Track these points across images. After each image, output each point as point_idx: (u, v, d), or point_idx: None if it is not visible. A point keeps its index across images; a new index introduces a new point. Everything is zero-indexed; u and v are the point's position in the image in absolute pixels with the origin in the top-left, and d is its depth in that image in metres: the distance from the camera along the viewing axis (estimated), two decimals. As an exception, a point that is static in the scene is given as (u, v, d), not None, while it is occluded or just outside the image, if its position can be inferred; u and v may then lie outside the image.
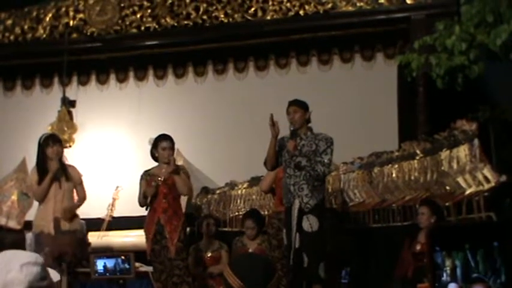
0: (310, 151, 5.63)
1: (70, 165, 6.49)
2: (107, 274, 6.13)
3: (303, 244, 5.39)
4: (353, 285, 6.57)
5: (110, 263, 6.12)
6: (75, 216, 6.36)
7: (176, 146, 6.46)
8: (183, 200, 6.77)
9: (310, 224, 5.46)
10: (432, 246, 1.92)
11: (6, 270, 1.94)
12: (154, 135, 6.45)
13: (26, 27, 9.04)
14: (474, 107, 6.68)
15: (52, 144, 6.31)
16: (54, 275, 2.11)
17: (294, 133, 5.68)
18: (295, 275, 5.47)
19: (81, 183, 6.42)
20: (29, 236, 6.70)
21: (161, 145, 6.29)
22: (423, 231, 6.06)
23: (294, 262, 5.45)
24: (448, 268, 1.92)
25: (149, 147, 6.38)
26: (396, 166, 6.98)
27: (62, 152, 6.44)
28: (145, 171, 6.32)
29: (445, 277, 1.93)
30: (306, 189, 5.55)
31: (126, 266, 6.10)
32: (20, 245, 6.74)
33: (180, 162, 7.05)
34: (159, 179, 6.20)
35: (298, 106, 5.78)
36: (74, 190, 6.39)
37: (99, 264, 6.10)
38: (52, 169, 6.24)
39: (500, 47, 5.60)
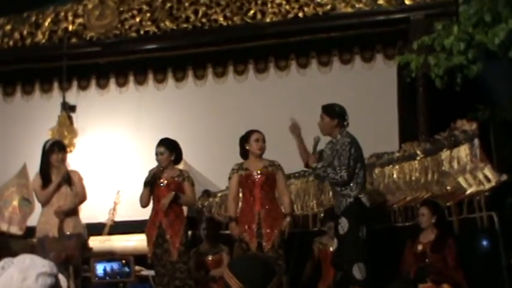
0: (331, 157, 5.64)
1: (71, 170, 6.50)
2: (107, 278, 6.13)
3: (339, 247, 5.59)
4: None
5: (110, 266, 6.12)
6: (76, 218, 6.34)
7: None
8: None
9: (341, 226, 5.54)
10: None
11: (22, 277, 1.94)
12: (155, 139, 6.47)
13: (25, 32, 9.04)
14: (473, 106, 6.68)
15: (58, 151, 6.33)
16: (63, 281, 2.11)
17: (315, 144, 5.71)
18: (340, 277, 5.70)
19: (81, 184, 6.41)
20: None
21: (155, 150, 6.32)
22: (424, 231, 6.06)
23: (334, 264, 5.78)
24: None
25: (151, 150, 6.41)
26: (397, 167, 6.97)
27: (66, 158, 6.47)
28: (149, 171, 6.34)
29: None
30: (334, 195, 5.73)
31: (126, 269, 6.11)
32: (27, 252, 6.72)
33: (181, 166, 7.04)
34: (162, 180, 6.22)
35: (325, 112, 5.74)
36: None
37: (99, 268, 6.11)
38: (61, 174, 6.25)
39: (498, 46, 5.61)
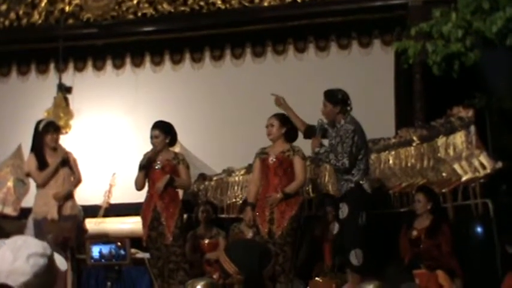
0: (335, 144, 5.65)
1: (66, 151, 6.49)
2: (103, 260, 6.13)
3: (339, 231, 5.69)
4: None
5: (106, 249, 6.13)
6: (72, 200, 6.36)
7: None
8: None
9: (342, 211, 5.58)
10: None
11: (13, 258, 1.93)
12: (151, 122, 6.46)
13: (21, 12, 8.98)
14: (470, 93, 6.68)
15: (53, 131, 6.32)
16: (62, 264, 2.09)
17: (319, 129, 5.73)
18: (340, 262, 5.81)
19: (76, 165, 6.43)
20: (28, 223, 6.68)
21: (150, 133, 6.32)
22: (419, 217, 6.09)
23: (334, 248, 5.87)
24: None
25: (146, 132, 6.41)
26: (393, 153, 6.98)
27: (60, 139, 6.46)
28: (145, 154, 6.33)
29: None
30: (337, 179, 5.77)
31: (122, 252, 6.11)
32: (21, 233, 6.73)
33: (177, 149, 7.04)
34: (158, 163, 6.22)
35: (327, 100, 5.75)
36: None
37: (95, 251, 6.11)
38: (57, 155, 6.24)
39: (496, 34, 5.61)
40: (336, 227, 5.82)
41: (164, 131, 6.33)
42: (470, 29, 5.81)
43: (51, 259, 2.00)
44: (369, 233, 5.60)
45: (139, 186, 6.33)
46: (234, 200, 7.71)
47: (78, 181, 6.44)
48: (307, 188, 7.06)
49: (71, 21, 8.83)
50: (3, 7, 9.03)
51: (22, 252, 1.94)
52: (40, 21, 8.92)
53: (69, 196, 6.33)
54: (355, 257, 5.46)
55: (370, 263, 5.54)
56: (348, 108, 5.73)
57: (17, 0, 8.98)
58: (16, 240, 1.99)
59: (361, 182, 5.58)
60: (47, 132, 6.30)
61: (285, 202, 5.83)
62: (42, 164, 6.25)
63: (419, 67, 7.26)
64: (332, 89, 5.81)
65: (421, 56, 6.36)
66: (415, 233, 6.02)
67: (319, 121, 5.77)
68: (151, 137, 6.32)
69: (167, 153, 6.35)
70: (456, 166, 6.41)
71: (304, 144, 6.06)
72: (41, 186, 6.31)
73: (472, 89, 6.74)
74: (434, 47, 5.99)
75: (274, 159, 5.93)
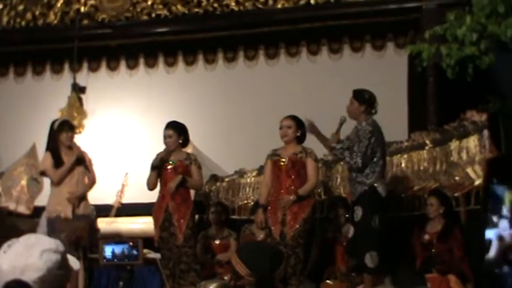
0: (352, 143, 5.68)
1: (81, 150, 6.53)
2: (115, 260, 6.16)
3: (354, 234, 5.68)
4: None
5: (118, 249, 6.15)
6: (85, 200, 6.39)
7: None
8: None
9: (356, 214, 5.60)
10: (490, 177, 1.83)
11: (27, 255, 1.95)
12: (164, 122, 6.49)
13: (37, 13, 9.03)
14: (484, 97, 6.65)
15: (68, 130, 6.37)
16: (75, 263, 2.11)
17: (340, 125, 5.77)
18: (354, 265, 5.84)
19: (91, 166, 6.47)
20: (42, 222, 6.72)
21: (164, 133, 6.33)
22: (431, 221, 6.07)
23: (348, 251, 5.89)
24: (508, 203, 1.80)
25: (159, 133, 6.43)
26: (405, 156, 6.96)
27: (74, 138, 6.51)
28: (157, 154, 6.35)
29: (505, 212, 1.82)
30: (351, 181, 5.78)
31: (134, 252, 6.14)
32: (34, 231, 6.77)
33: (189, 150, 7.06)
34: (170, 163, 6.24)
35: (354, 97, 5.82)
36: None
37: (108, 250, 6.14)
38: (72, 154, 6.28)
39: (511, 38, 5.58)
40: (350, 230, 5.80)
41: (178, 131, 6.35)
42: (485, 32, 5.79)
43: (64, 256, 2.03)
44: (383, 236, 5.60)
45: (151, 186, 6.35)
46: (245, 201, 7.71)
47: (93, 182, 6.47)
48: (319, 191, 7.05)
49: (86, 21, 8.88)
50: (20, 7, 9.09)
51: (35, 249, 1.97)
52: (56, 22, 8.97)
53: (83, 196, 6.37)
54: (370, 260, 5.47)
55: (384, 265, 5.54)
56: (373, 111, 5.78)
57: (34, 1, 9.04)
58: (29, 237, 2.02)
59: (375, 184, 5.59)
60: (62, 130, 6.35)
61: (297, 204, 5.83)
62: (57, 162, 6.30)
63: (433, 70, 7.24)
64: (362, 89, 5.89)
65: (435, 59, 6.34)
66: (427, 237, 6.01)
67: (341, 118, 5.81)
68: (165, 137, 6.33)
69: (180, 154, 6.37)
70: (469, 170, 6.39)
71: (313, 146, 6.08)
72: (55, 184, 6.34)
73: (485, 92, 6.71)
74: (448, 50, 5.98)
75: (286, 161, 5.93)
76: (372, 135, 5.62)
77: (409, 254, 6.07)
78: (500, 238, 1.66)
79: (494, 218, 1.72)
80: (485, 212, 1.71)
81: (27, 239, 2.01)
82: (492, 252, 1.64)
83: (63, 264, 2.01)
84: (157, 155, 6.34)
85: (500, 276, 1.63)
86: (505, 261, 1.64)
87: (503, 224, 1.73)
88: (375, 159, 5.62)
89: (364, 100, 5.76)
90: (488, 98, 6.65)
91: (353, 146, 5.66)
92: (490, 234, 1.66)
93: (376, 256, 5.47)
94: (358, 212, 5.57)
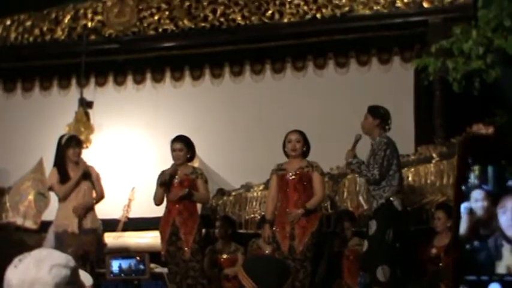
0: (368, 157, 5.73)
1: (88, 165, 6.54)
2: (122, 275, 6.15)
3: (367, 248, 5.68)
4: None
5: (125, 263, 6.14)
6: (93, 213, 6.38)
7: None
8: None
9: (370, 227, 5.63)
10: (465, 157, 1.77)
11: (36, 269, 1.95)
12: (171, 137, 6.50)
13: (45, 28, 9.10)
14: (491, 111, 6.65)
15: (75, 145, 6.38)
16: (87, 279, 2.11)
17: (355, 142, 5.82)
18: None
19: (99, 180, 6.48)
20: (49, 236, 6.72)
21: (172, 147, 6.33)
22: (439, 235, 6.05)
23: (362, 265, 5.86)
24: (477, 171, 1.72)
25: (166, 147, 6.44)
26: (412, 169, 6.96)
27: (82, 153, 6.52)
28: (162, 171, 6.34)
29: (472, 179, 1.74)
30: (368, 195, 5.88)
31: (141, 266, 6.13)
32: (41, 246, 6.77)
33: (196, 164, 7.06)
34: (176, 180, 6.23)
35: (369, 112, 5.88)
36: (93, 189, 6.44)
37: (115, 265, 6.13)
38: (79, 169, 6.29)
39: (517, 52, 5.58)
40: (365, 244, 5.78)
41: (187, 145, 6.36)
42: (491, 46, 5.80)
43: (74, 271, 2.02)
44: (396, 250, 5.60)
45: (158, 202, 6.35)
46: (252, 215, 7.71)
47: (101, 197, 6.47)
48: (325, 205, 7.05)
49: (93, 37, 8.93)
50: (28, 23, 9.16)
51: (45, 264, 1.97)
52: (63, 37, 9.03)
53: (90, 210, 6.37)
54: (382, 273, 5.46)
55: (396, 280, 5.53)
56: (387, 127, 5.84)
57: (41, 17, 9.10)
58: (40, 252, 2.02)
59: (391, 198, 5.61)
60: (69, 146, 6.37)
61: (305, 218, 5.83)
62: (64, 178, 6.31)
63: (439, 84, 7.25)
64: (377, 105, 5.95)
65: (441, 73, 6.36)
66: (434, 250, 5.99)
67: (357, 135, 5.86)
68: (174, 150, 6.31)
69: (186, 168, 6.37)
70: (476, 184, 6.37)
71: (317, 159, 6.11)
72: (62, 199, 6.35)
73: (492, 106, 6.71)
74: (454, 64, 5.99)
75: (293, 175, 5.93)
76: (387, 147, 5.68)
77: (416, 268, 6.05)
78: (471, 212, 1.62)
79: (464, 188, 1.66)
80: (459, 190, 1.66)
81: (38, 254, 2.01)
82: (463, 228, 1.59)
83: (73, 279, 2.00)
84: (163, 172, 6.32)
85: (471, 252, 1.58)
86: (476, 236, 1.60)
87: (474, 194, 1.66)
88: (391, 171, 5.66)
89: (379, 115, 5.82)
90: (495, 111, 6.65)
91: (369, 160, 5.71)
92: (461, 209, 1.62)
93: (388, 270, 5.46)
94: (373, 226, 5.59)
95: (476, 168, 1.67)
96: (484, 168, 1.68)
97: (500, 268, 1.63)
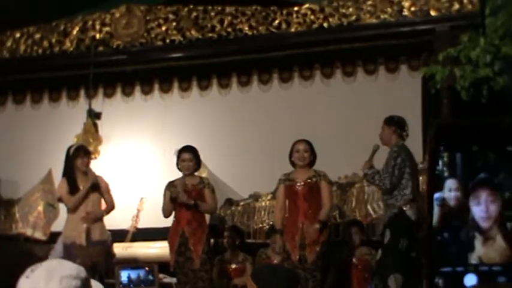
0: (383, 166, 5.73)
1: (97, 175, 6.55)
2: (131, 285, 6.16)
3: (381, 256, 5.69)
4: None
5: (134, 274, 6.15)
6: (102, 225, 6.39)
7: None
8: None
9: (385, 236, 5.62)
10: (437, 144, 1.71)
11: (47, 278, 1.96)
12: (179, 147, 6.50)
13: (53, 40, 9.15)
14: (499, 118, 6.63)
15: (83, 155, 6.39)
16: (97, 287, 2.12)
17: (372, 153, 5.81)
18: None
19: (108, 191, 6.48)
20: (57, 247, 6.73)
21: (181, 157, 6.33)
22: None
23: (374, 273, 5.85)
24: (446, 158, 1.67)
25: (174, 158, 6.43)
26: (421, 178, 6.93)
27: (90, 163, 6.53)
28: (170, 182, 6.34)
29: (440, 166, 1.68)
30: (383, 205, 5.89)
31: (150, 277, 6.13)
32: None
33: (204, 174, 7.07)
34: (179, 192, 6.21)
35: (384, 122, 5.88)
36: (102, 199, 6.45)
37: (124, 275, 6.14)
38: (88, 179, 6.31)
39: (525, 59, 5.57)
40: (379, 253, 5.78)
41: (195, 156, 6.36)
42: (499, 54, 5.79)
43: (85, 282, 2.02)
44: (410, 260, 5.57)
45: (167, 214, 6.33)
46: (260, 225, 7.71)
47: (111, 207, 6.47)
48: (334, 214, 7.04)
49: (101, 48, 8.97)
50: (37, 35, 9.22)
51: (55, 274, 1.97)
52: (71, 49, 9.07)
53: (99, 220, 6.38)
54: (394, 282, 5.44)
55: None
56: (404, 133, 5.82)
57: (50, 29, 9.16)
58: (51, 263, 2.03)
59: (404, 208, 5.57)
60: (77, 156, 6.37)
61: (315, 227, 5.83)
62: (73, 189, 6.31)
63: (447, 92, 7.23)
64: (392, 115, 5.95)
65: (449, 81, 6.35)
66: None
67: (374, 146, 5.84)
68: (184, 160, 6.29)
69: (193, 178, 6.36)
70: (485, 191, 6.34)
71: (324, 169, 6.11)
72: (71, 210, 6.35)
73: (500, 113, 6.69)
74: (462, 72, 5.98)
75: (302, 186, 5.92)
76: (398, 156, 5.63)
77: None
78: (443, 202, 1.57)
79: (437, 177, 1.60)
80: (432, 179, 1.61)
81: (49, 264, 2.01)
82: (434, 219, 1.55)
83: None
84: (171, 182, 6.30)
85: (442, 244, 1.53)
86: (447, 227, 1.55)
87: (448, 183, 1.60)
88: (403, 180, 5.62)
89: (392, 122, 5.82)
90: (503, 118, 6.62)
91: (383, 168, 5.71)
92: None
93: (400, 279, 5.44)
94: (387, 235, 5.57)
95: (445, 155, 1.62)
96: (453, 156, 1.64)
97: (473, 259, 1.61)
